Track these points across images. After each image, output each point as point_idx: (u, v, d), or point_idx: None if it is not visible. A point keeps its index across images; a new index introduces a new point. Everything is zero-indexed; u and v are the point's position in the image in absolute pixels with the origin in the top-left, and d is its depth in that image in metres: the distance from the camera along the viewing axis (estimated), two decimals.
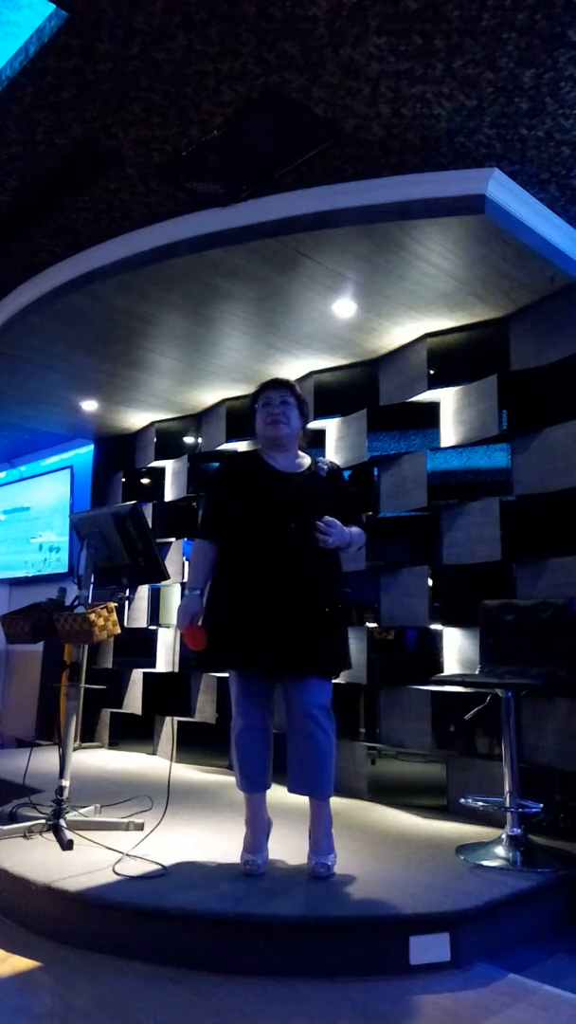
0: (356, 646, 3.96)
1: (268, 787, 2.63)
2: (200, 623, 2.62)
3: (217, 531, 2.68)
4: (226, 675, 4.62)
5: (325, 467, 2.71)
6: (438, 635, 3.73)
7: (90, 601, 3.09)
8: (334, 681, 2.67)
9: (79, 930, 2.27)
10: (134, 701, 5.26)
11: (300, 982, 2.06)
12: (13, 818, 3.09)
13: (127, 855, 2.62)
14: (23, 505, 6.71)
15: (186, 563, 5.10)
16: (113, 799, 3.49)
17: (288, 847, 2.76)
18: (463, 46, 2.38)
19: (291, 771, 2.55)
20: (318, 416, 4.44)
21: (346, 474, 4.22)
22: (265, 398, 2.71)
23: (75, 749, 3.52)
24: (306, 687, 2.53)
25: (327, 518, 2.48)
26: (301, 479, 2.66)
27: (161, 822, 3.06)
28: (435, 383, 3.92)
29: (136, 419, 5.62)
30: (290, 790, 2.56)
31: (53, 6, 2.35)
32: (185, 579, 5.06)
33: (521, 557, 3.44)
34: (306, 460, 2.75)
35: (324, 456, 4.34)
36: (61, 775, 2.95)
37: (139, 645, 5.32)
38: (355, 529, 2.64)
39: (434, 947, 2.17)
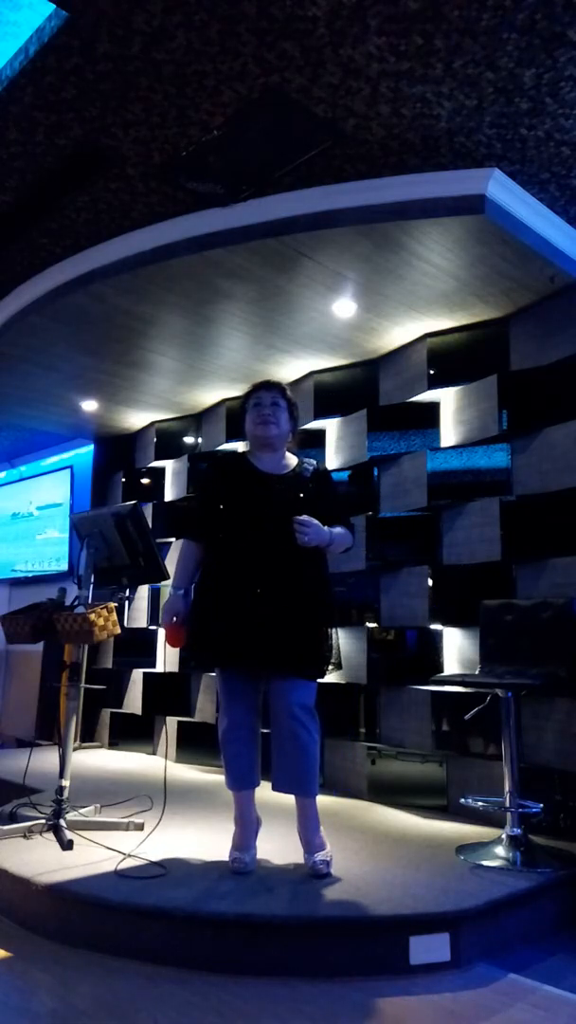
0: (356, 646, 3.96)
1: (256, 785, 2.64)
2: (181, 621, 2.66)
3: (201, 531, 2.71)
4: None
5: (310, 468, 2.72)
6: (438, 635, 3.73)
7: (90, 601, 3.09)
8: (328, 680, 2.67)
9: (79, 930, 2.27)
10: (134, 701, 5.26)
11: (300, 982, 2.06)
12: (13, 818, 3.09)
13: (129, 855, 2.62)
14: (56, 501, 6.67)
15: None
16: (113, 799, 3.49)
17: (287, 847, 2.76)
18: (463, 46, 2.38)
19: (274, 770, 2.58)
20: (318, 416, 4.45)
21: (343, 475, 4.24)
22: (256, 398, 2.74)
23: (75, 749, 3.52)
24: (289, 687, 2.54)
25: (304, 516, 2.48)
26: (285, 480, 2.67)
27: (160, 822, 3.06)
28: (435, 383, 3.92)
29: (136, 419, 5.62)
30: (274, 788, 2.59)
31: (53, 6, 2.35)
32: None
33: (521, 557, 3.44)
34: (293, 461, 2.76)
35: (320, 457, 4.36)
36: (61, 775, 2.95)
37: (139, 645, 5.32)
38: (338, 529, 2.63)
39: (434, 947, 2.17)
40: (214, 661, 2.64)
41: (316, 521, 2.51)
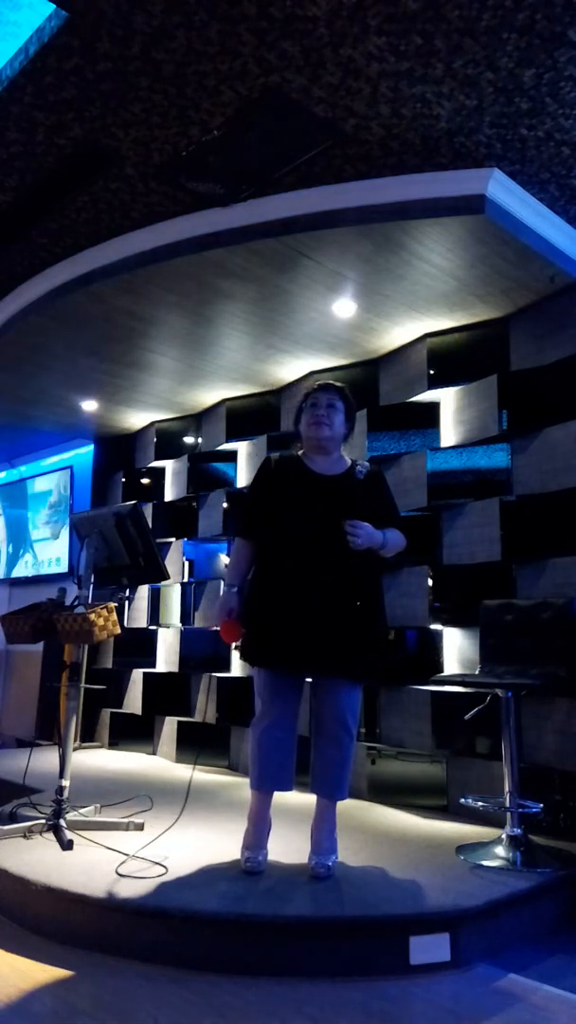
0: None
1: (281, 789, 2.60)
2: (236, 617, 2.66)
3: (254, 530, 2.70)
4: (226, 675, 4.65)
5: (364, 469, 2.69)
6: (438, 635, 3.73)
7: (90, 601, 3.09)
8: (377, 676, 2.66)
9: (79, 930, 2.27)
10: (134, 701, 5.27)
11: (300, 982, 2.06)
12: (13, 818, 3.09)
13: (132, 856, 2.62)
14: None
15: (186, 563, 5.11)
16: (113, 799, 3.48)
17: (288, 847, 2.76)
18: (463, 46, 2.38)
19: (314, 773, 2.59)
20: None
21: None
22: (313, 399, 2.71)
23: (75, 749, 3.52)
24: (339, 693, 2.54)
25: (354, 520, 2.47)
26: (337, 481, 2.65)
27: (175, 822, 3.06)
28: (435, 383, 3.92)
29: (136, 419, 5.62)
30: (311, 790, 2.60)
31: (53, 6, 2.35)
32: (186, 579, 5.08)
33: (521, 557, 3.44)
34: (347, 463, 2.73)
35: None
36: (61, 775, 2.95)
37: (139, 645, 5.32)
38: (391, 532, 2.61)
39: (434, 947, 2.17)
40: (267, 660, 2.59)
41: (367, 524, 2.49)
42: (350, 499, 2.60)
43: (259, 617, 2.59)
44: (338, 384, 2.77)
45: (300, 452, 2.77)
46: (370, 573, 2.62)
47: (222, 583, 2.81)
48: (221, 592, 2.72)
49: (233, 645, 2.76)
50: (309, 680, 2.65)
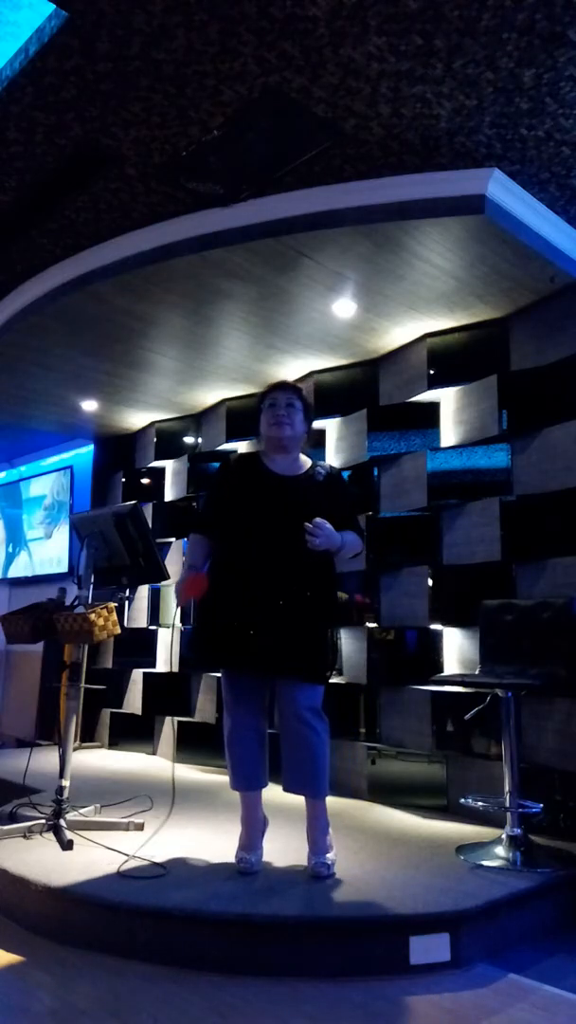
0: (356, 646, 3.96)
1: (263, 786, 2.64)
2: (198, 571, 2.62)
3: (209, 527, 2.70)
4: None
5: (323, 471, 2.70)
6: (438, 635, 3.73)
7: (90, 601, 3.09)
8: (329, 681, 2.66)
9: (79, 930, 2.27)
10: (134, 701, 5.27)
11: (300, 982, 2.06)
12: (13, 818, 3.09)
13: (132, 856, 2.62)
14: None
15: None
16: (113, 799, 3.49)
17: (287, 847, 2.76)
18: (463, 46, 2.38)
19: (284, 771, 2.58)
20: (318, 416, 4.44)
21: (345, 475, 4.23)
22: (272, 399, 2.71)
23: (75, 749, 3.52)
24: (296, 690, 2.53)
25: (317, 519, 2.45)
26: (297, 483, 2.66)
27: (164, 823, 3.06)
28: (435, 383, 3.92)
29: (136, 419, 5.62)
30: (284, 789, 2.59)
31: (53, 6, 2.35)
32: None
33: (521, 557, 3.44)
34: (306, 464, 2.74)
35: (325, 459, 4.37)
36: (61, 775, 2.95)
37: (139, 645, 5.32)
38: (349, 535, 2.60)
39: (434, 947, 2.17)
40: (219, 662, 2.62)
41: (329, 525, 2.47)
42: (308, 501, 2.59)
43: (213, 617, 2.59)
44: (294, 384, 2.79)
45: (260, 451, 2.78)
46: (325, 575, 2.61)
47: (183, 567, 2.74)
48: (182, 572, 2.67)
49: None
50: None
